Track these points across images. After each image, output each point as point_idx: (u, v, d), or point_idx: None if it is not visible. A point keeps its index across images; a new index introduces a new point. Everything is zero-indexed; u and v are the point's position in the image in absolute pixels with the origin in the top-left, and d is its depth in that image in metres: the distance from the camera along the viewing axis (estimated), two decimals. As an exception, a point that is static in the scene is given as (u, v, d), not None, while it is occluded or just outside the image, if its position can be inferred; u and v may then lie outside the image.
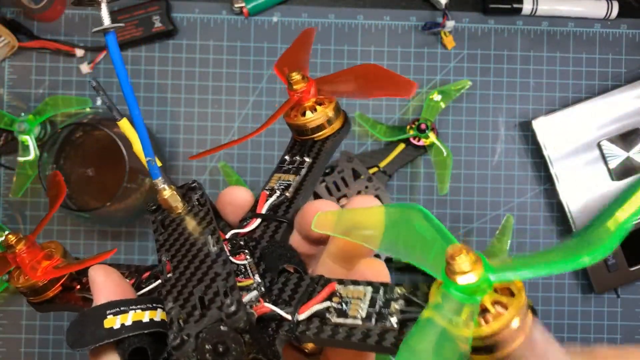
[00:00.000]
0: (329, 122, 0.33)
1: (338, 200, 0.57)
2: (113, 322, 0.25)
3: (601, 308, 0.61)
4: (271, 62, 0.61)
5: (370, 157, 0.60)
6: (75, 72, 0.60)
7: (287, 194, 0.31)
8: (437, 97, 0.59)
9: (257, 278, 0.27)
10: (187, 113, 0.61)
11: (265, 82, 0.61)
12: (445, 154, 0.58)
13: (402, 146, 0.60)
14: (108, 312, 0.26)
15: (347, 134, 0.35)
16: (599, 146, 0.59)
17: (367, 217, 0.29)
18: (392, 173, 0.60)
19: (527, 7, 0.61)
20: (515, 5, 0.61)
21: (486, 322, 0.22)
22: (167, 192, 0.30)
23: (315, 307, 0.25)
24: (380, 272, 0.30)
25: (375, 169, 0.59)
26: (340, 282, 0.27)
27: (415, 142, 0.59)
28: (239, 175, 0.59)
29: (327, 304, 0.26)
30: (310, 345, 0.30)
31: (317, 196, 0.57)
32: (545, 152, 0.60)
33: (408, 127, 0.59)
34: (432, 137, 0.58)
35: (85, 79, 0.61)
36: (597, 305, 0.61)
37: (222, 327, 0.23)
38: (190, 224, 0.29)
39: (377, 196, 0.57)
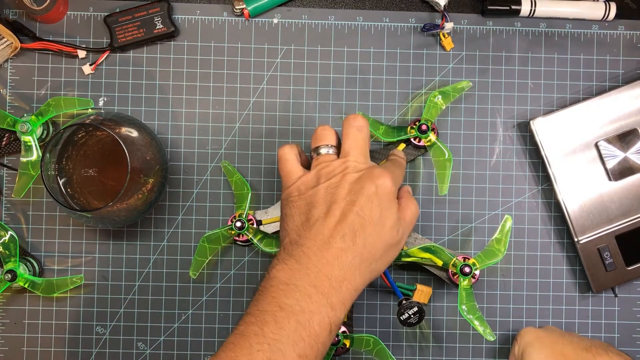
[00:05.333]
0: None
1: None
2: None
3: (599, 307, 0.62)
4: (272, 63, 0.62)
5: (371, 157, 0.60)
6: (77, 73, 0.61)
7: None
8: (438, 97, 0.59)
9: None
10: (188, 114, 0.61)
11: (266, 83, 0.62)
12: (446, 155, 0.58)
13: (402, 146, 0.60)
14: None
15: None
16: (597, 146, 0.60)
17: None
18: None
19: (525, 9, 0.61)
20: (513, 7, 0.61)
21: None
22: None
23: None
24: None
25: None
26: None
27: (415, 142, 0.59)
28: (240, 174, 0.59)
29: None
30: None
31: None
32: (543, 153, 0.60)
33: (409, 127, 0.59)
34: (432, 137, 0.59)
35: (88, 79, 0.61)
36: (594, 304, 0.62)
37: None
38: None
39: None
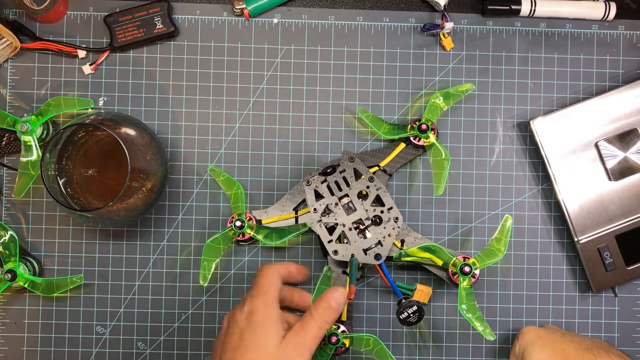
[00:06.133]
0: None
1: (340, 199, 0.57)
2: None
3: (599, 307, 0.62)
4: (272, 63, 0.62)
5: (370, 156, 0.60)
6: (77, 73, 0.61)
7: None
8: (439, 99, 0.59)
9: None
10: (188, 114, 0.61)
11: (266, 82, 0.62)
12: (443, 155, 0.59)
13: (402, 145, 0.60)
14: None
15: None
16: (597, 146, 0.60)
17: None
18: (393, 172, 0.61)
19: (525, 9, 0.61)
20: (513, 7, 0.61)
21: None
22: None
23: None
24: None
25: (375, 168, 0.60)
26: None
27: (415, 141, 0.59)
28: (227, 174, 0.59)
29: None
30: None
31: (318, 195, 0.58)
32: (543, 152, 0.60)
33: (409, 126, 0.59)
34: (432, 137, 0.59)
35: (88, 79, 0.61)
36: (594, 304, 0.62)
37: None
38: None
39: (377, 196, 0.57)
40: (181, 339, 0.61)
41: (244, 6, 0.60)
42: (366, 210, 0.57)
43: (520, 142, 0.62)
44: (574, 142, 0.60)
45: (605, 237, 0.60)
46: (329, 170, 0.58)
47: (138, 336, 0.61)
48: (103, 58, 0.61)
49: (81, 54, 0.60)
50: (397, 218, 0.57)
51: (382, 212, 0.57)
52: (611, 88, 0.61)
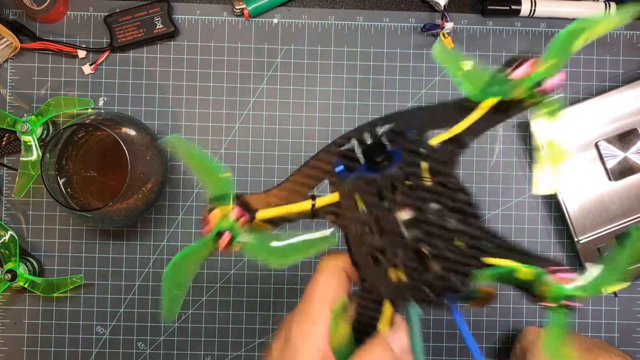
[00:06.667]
0: None
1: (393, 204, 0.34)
2: None
3: (599, 307, 0.62)
4: (272, 63, 0.62)
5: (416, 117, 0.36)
6: (77, 73, 0.61)
7: None
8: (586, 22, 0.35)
9: None
10: (188, 114, 0.61)
11: (266, 83, 0.62)
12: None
13: (493, 101, 0.35)
14: None
15: None
16: (597, 146, 0.60)
17: None
18: (468, 143, 0.37)
19: (525, 9, 0.61)
20: (513, 7, 0.61)
21: None
22: None
23: None
24: None
25: (439, 138, 0.36)
26: None
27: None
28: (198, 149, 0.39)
29: None
30: None
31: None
32: (543, 153, 0.60)
33: (510, 66, 0.34)
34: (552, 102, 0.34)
35: (88, 79, 0.61)
36: (594, 304, 0.62)
37: None
38: None
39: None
40: (181, 339, 0.61)
41: (244, 6, 0.60)
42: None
43: (520, 142, 0.62)
44: (574, 142, 0.60)
45: (605, 237, 0.60)
46: (376, 155, 0.35)
47: (138, 336, 0.61)
48: (103, 58, 0.61)
49: (81, 54, 0.60)
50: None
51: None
52: (611, 88, 0.61)
